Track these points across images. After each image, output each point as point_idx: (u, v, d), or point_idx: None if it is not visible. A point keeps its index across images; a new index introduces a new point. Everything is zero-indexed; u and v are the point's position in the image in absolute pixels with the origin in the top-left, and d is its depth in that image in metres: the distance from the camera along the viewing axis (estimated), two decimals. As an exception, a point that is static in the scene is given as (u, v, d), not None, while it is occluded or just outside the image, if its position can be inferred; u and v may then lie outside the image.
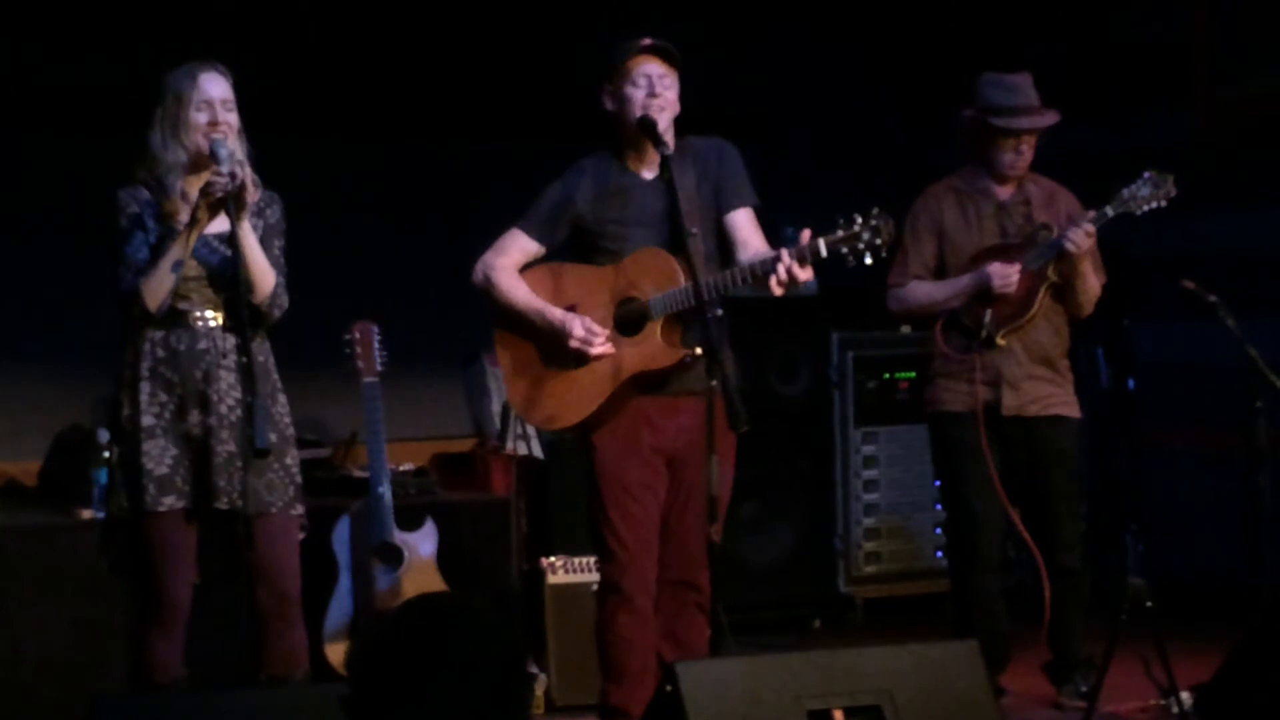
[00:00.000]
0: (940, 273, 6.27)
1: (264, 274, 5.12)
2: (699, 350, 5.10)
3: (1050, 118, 6.17)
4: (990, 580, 6.27)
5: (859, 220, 4.95)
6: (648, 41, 5.27)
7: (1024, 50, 8.44)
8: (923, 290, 6.24)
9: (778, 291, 5.01)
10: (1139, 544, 5.81)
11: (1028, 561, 6.30)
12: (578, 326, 5.29)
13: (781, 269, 4.97)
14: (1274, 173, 7.88)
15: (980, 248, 6.19)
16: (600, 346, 5.28)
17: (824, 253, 4.96)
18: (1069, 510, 6.27)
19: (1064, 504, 6.25)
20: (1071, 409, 6.27)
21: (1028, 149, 6.16)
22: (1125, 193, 5.99)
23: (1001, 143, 6.15)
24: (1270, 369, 6.10)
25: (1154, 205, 5.98)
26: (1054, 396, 6.23)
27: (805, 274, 4.98)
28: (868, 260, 4.95)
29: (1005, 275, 6.05)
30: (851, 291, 8.00)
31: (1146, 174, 5.99)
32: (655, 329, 5.24)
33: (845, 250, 4.95)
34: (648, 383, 5.29)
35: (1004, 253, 6.14)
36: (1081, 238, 5.97)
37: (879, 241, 4.94)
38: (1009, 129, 6.13)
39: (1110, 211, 5.99)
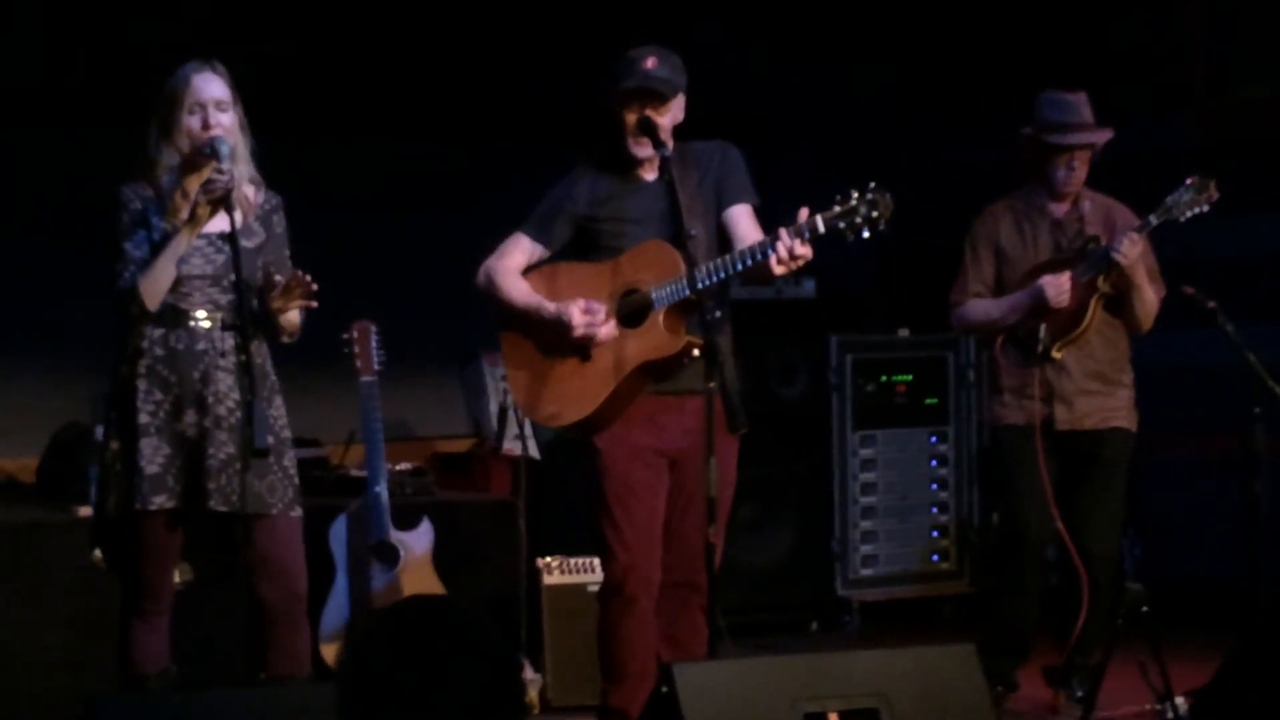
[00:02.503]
0: (999, 290, 6.34)
1: (292, 324, 5.20)
2: (718, 313, 5.05)
3: (1103, 135, 6.24)
4: (1032, 583, 6.32)
5: (855, 196, 4.96)
6: (638, 85, 5.25)
7: (1023, 55, 8.49)
8: (981, 307, 6.33)
9: (779, 270, 5.00)
10: (1136, 549, 5.82)
11: (1058, 563, 6.33)
12: (576, 311, 5.28)
13: (781, 247, 4.96)
14: (1271, 179, 7.88)
15: (1035, 263, 6.26)
16: (604, 327, 5.26)
17: (822, 229, 4.96)
18: (1111, 523, 6.24)
19: (1101, 511, 6.25)
20: (1126, 421, 6.31)
21: (1080, 165, 6.23)
22: (1169, 200, 6.04)
23: (1055, 159, 6.22)
24: (1268, 375, 6.11)
25: (1197, 210, 6.03)
26: (1108, 409, 6.27)
27: (805, 250, 4.97)
28: (865, 235, 4.95)
29: (1058, 286, 6.11)
30: (850, 295, 8.02)
31: (1189, 180, 6.05)
32: (658, 319, 5.23)
33: (843, 225, 4.95)
34: (653, 375, 5.28)
35: (1057, 267, 6.20)
36: (1128, 247, 6.02)
37: (875, 215, 4.94)
38: (1061, 145, 6.20)
39: (1154, 220, 6.06)
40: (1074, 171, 6.22)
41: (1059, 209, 6.30)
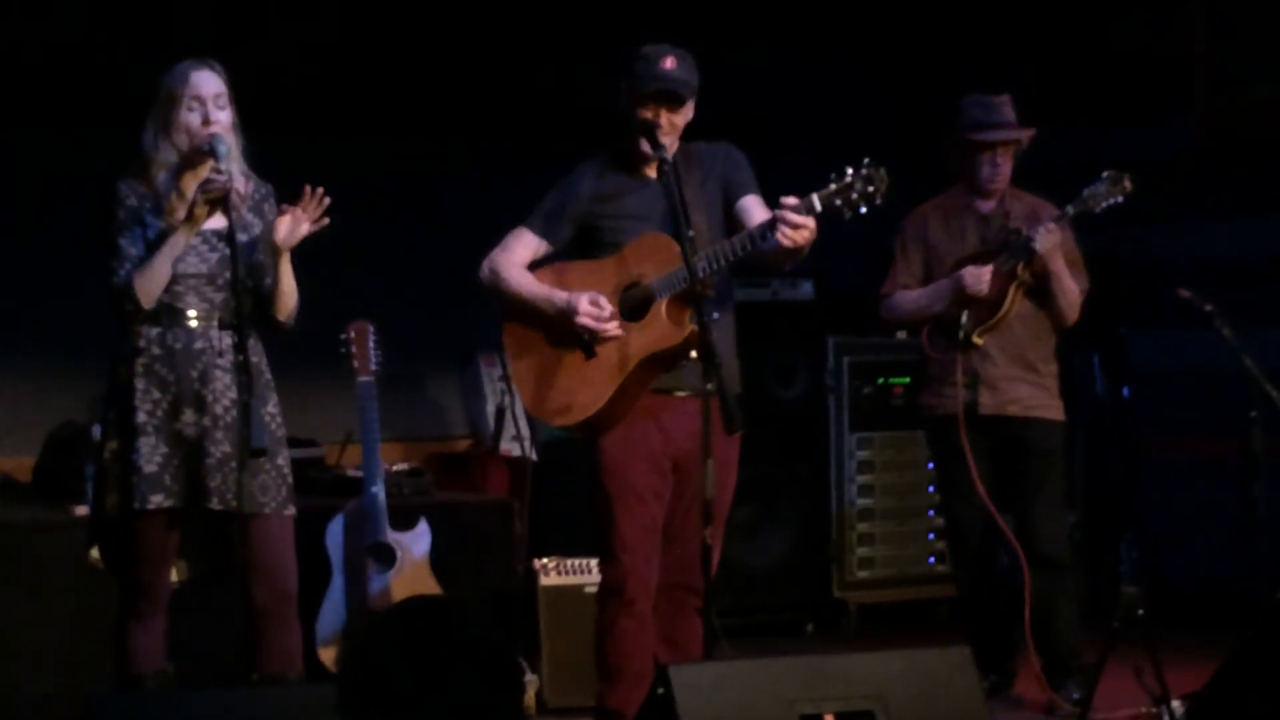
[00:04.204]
0: (927, 283, 6.48)
1: (291, 295, 5.18)
2: (715, 315, 5.02)
3: (1024, 132, 6.41)
4: (979, 571, 6.47)
5: (850, 172, 4.97)
6: (658, 87, 5.24)
7: (1025, 58, 8.48)
8: (908, 297, 6.48)
9: (786, 243, 4.99)
10: (1133, 551, 5.84)
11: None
12: (584, 302, 5.27)
13: (785, 213, 4.96)
14: (1271, 182, 7.88)
15: (961, 255, 6.40)
16: (610, 323, 5.25)
17: (818, 207, 4.97)
18: (1051, 503, 6.38)
19: (1044, 496, 6.36)
20: (1052, 411, 6.42)
21: (1004, 162, 6.40)
22: (1085, 192, 6.21)
23: (978, 156, 6.39)
24: (1266, 378, 6.11)
25: (1112, 201, 6.20)
26: (1033, 398, 6.39)
27: (809, 223, 4.97)
28: (863, 211, 4.97)
29: (977, 275, 6.27)
30: (848, 296, 8.02)
31: (1105, 174, 6.20)
32: (660, 310, 5.22)
33: (840, 203, 4.97)
34: (659, 367, 5.26)
35: (982, 259, 6.36)
36: (1044, 236, 6.18)
37: (872, 190, 4.95)
38: (983, 141, 6.36)
39: (1071, 210, 6.22)
40: (998, 168, 6.39)
41: (985, 205, 6.47)
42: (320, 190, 5.05)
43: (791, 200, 4.99)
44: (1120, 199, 6.17)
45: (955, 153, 6.45)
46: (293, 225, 5.07)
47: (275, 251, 5.10)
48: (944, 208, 6.52)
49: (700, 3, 8.19)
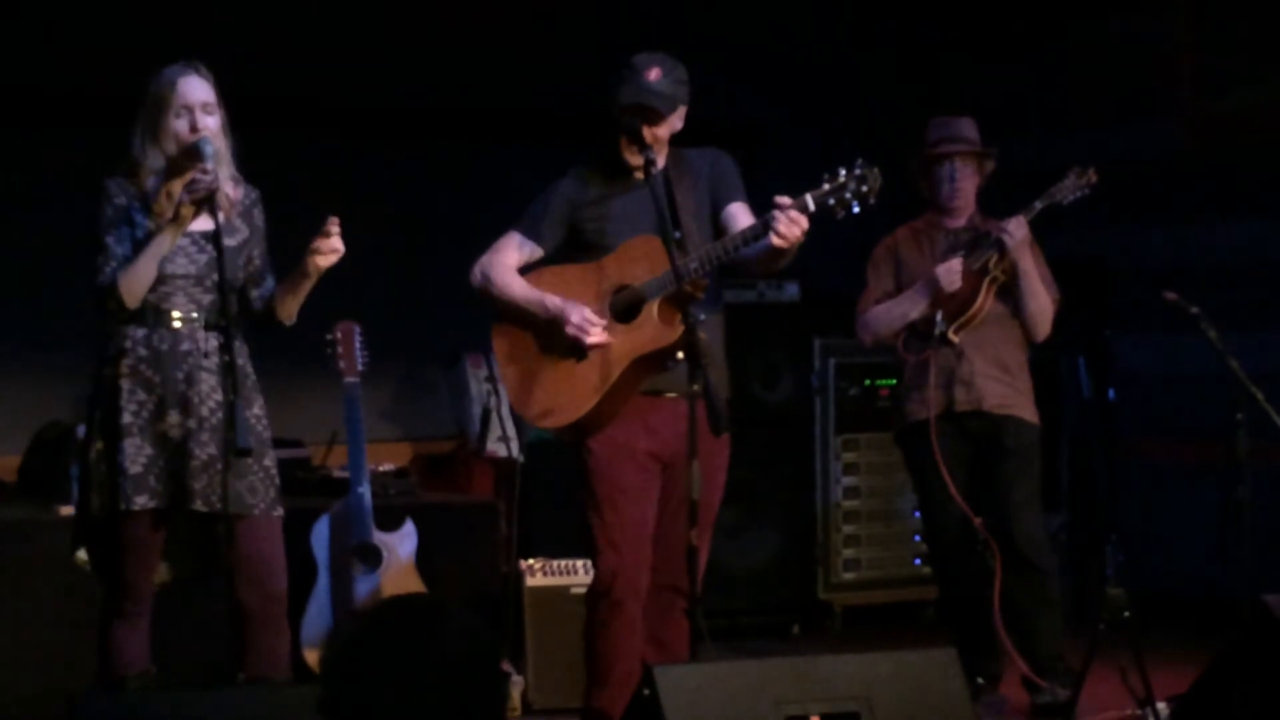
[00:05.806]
0: None
1: (299, 304, 5.22)
2: (701, 316, 5.02)
3: (980, 147, 6.48)
4: (960, 584, 6.47)
5: (843, 173, 4.99)
6: (634, 101, 5.25)
7: (1014, 61, 8.49)
8: (884, 308, 6.50)
9: (778, 243, 4.99)
10: (1118, 554, 5.84)
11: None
12: (574, 313, 5.27)
13: (779, 213, 4.96)
14: (1257, 185, 7.90)
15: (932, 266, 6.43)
16: (596, 334, 5.26)
17: (811, 207, 4.99)
18: (1028, 506, 6.39)
19: (1021, 498, 6.37)
20: (1026, 412, 6.44)
21: (962, 178, 6.45)
22: (1053, 189, 6.29)
23: (936, 171, 6.46)
24: (1251, 381, 6.12)
25: (1077, 195, 6.28)
26: (1009, 398, 6.41)
27: (802, 220, 4.97)
28: (855, 210, 4.98)
29: (949, 269, 6.31)
30: (834, 298, 8.03)
31: (1071, 170, 6.28)
32: (652, 311, 5.23)
33: (833, 203, 4.99)
34: (651, 367, 5.27)
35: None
36: (1014, 227, 6.23)
37: (865, 189, 4.97)
38: (938, 155, 6.44)
39: (1039, 205, 6.29)
40: (957, 184, 6.44)
41: (954, 224, 6.52)
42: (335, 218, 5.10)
43: (785, 200, 5.00)
44: (1087, 192, 6.25)
45: (921, 174, 6.51)
46: (334, 248, 5.10)
47: (307, 274, 5.12)
48: (914, 229, 6.56)
49: (698, 5, 8.21)
